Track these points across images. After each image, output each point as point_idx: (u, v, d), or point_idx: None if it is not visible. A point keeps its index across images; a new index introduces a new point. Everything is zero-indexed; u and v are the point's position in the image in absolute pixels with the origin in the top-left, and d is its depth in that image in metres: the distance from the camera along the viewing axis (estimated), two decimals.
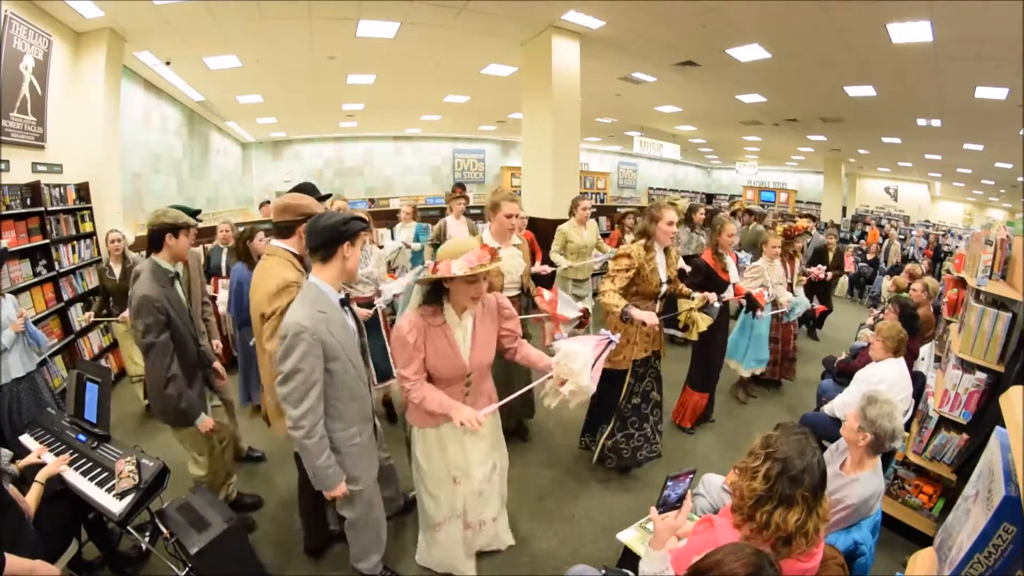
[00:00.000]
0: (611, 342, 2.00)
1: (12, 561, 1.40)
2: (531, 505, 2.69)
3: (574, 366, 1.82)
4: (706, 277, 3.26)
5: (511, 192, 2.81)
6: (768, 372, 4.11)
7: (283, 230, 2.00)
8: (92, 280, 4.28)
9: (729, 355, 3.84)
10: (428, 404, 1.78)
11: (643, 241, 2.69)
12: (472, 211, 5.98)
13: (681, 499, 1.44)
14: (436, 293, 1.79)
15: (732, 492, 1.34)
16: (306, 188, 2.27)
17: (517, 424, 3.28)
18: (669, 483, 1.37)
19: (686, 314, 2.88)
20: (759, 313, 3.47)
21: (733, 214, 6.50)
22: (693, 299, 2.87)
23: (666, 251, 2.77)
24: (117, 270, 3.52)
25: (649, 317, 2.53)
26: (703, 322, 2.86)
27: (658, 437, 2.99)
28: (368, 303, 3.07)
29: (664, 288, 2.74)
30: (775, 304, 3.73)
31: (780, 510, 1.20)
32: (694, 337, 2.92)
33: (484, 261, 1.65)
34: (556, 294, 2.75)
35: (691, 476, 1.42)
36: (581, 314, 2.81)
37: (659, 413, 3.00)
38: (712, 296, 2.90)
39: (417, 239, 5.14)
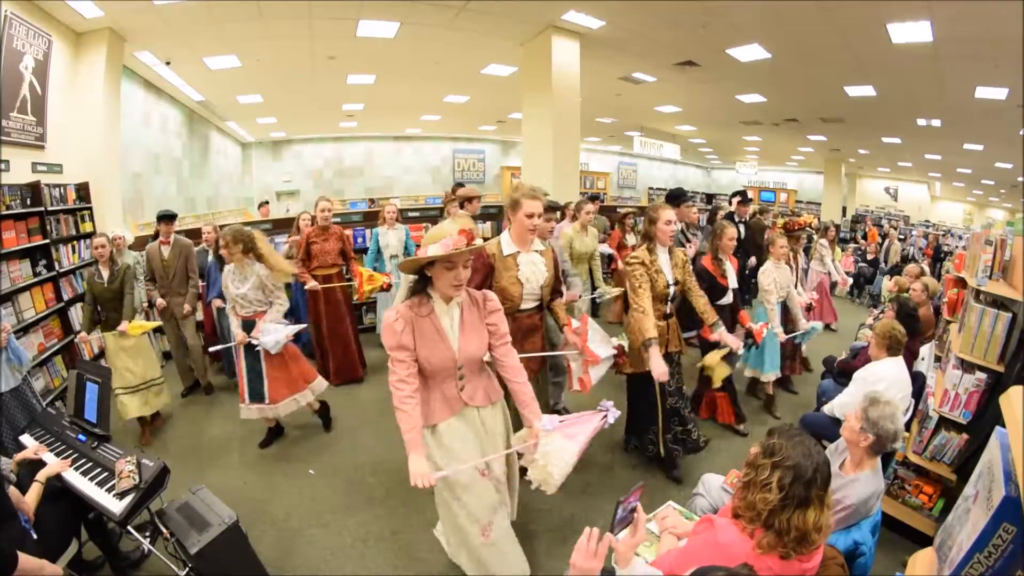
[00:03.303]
0: (605, 416, 1.81)
1: (24, 560, 1.44)
2: (531, 505, 2.68)
3: (553, 470, 1.66)
4: (709, 285, 3.25)
5: (533, 188, 2.41)
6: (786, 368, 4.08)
7: (463, 203, 4.08)
8: None
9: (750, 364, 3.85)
10: (399, 415, 1.70)
11: (646, 244, 2.70)
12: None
13: (632, 512, 1.35)
14: (422, 284, 1.80)
15: (738, 504, 1.33)
16: (676, 193, 4.22)
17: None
18: (620, 506, 1.30)
19: (708, 367, 2.96)
20: (773, 329, 3.52)
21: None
22: (719, 343, 2.86)
23: (670, 251, 2.77)
24: (105, 274, 3.46)
25: (660, 374, 2.49)
26: (722, 371, 2.94)
27: (698, 424, 3.03)
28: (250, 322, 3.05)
29: (672, 289, 2.73)
30: (787, 323, 3.74)
31: (798, 513, 1.21)
32: (716, 385, 3.05)
33: (460, 245, 1.64)
34: (586, 323, 2.44)
35: (640, 492, 1.37)
36: (616, 351, 2.60)
37: (689, 404, 3.05)
38: (736, 343, 2.82)
39: (406, 250, 4.62)
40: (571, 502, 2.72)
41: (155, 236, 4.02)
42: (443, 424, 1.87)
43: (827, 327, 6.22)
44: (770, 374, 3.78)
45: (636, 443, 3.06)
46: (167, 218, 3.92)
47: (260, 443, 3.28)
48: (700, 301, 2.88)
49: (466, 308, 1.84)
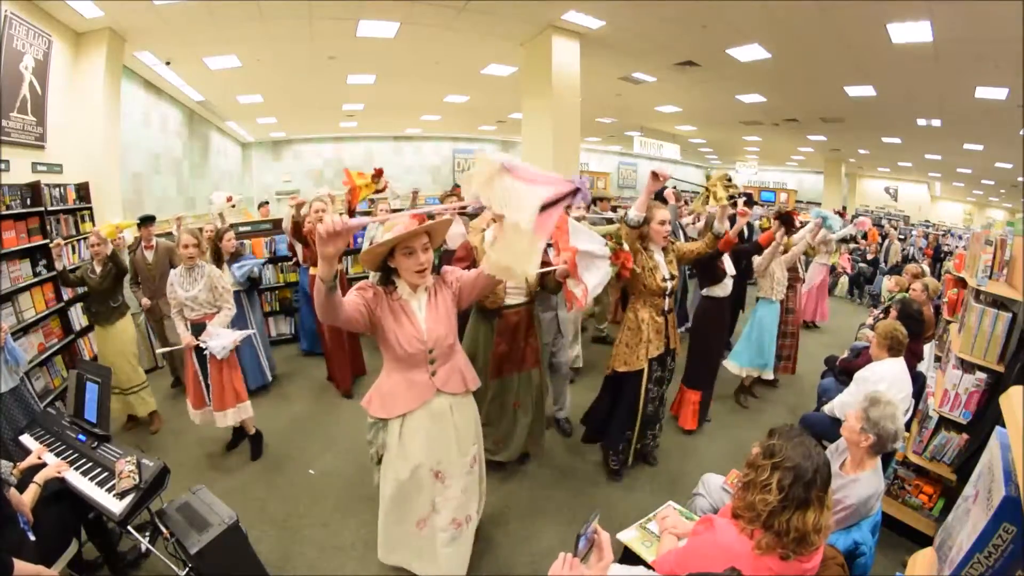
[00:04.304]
0: (577, 191, 1.43)
1: (20, 566, 1.43)
2: (531, 505, 2.69)
3: (518, 199, 1.35)
4: (706, 265, 3.27)
5: None
6: (780, 368, 4.10)
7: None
8: None
9: (742, 362, 3.84)
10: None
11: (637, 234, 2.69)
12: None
13: (594, 534, 1.29)
14: (388, 274, 1.82)
15: (737, 504, 1.32)
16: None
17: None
18: (581, 538, 1.24)
19: (704, 190, 2.83)
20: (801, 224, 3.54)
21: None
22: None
23: (664, 250, 2.78)
24: (99, 270, 3.45)
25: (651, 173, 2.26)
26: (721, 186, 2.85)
27: (657, 440, 3.06)
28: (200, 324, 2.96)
29: (669, 285, 2.73)
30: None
31: (797, 514, 1.21)
32: (722, 200, 2.90)
33: (412, 227, 1.68)
34: (566, 222, 2.32)
35: (596, 516, 1.35)
36: (608, 240, 2.46)
37: (664, 413, 3.03)
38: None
39: None
40: (572, 501, 2.72)
41: (137, 241, 4.09)
42: (409, 419, 1.84)
43: (812, 325, 6.24)
44: (770, 371, 3.84)
45: (608, 447, 2.93)
46: (147, 220, 4.03)
47: (227, 445, 3.23)
48: (696, 244, 2.90)
49: (432, 293, 1.86)
